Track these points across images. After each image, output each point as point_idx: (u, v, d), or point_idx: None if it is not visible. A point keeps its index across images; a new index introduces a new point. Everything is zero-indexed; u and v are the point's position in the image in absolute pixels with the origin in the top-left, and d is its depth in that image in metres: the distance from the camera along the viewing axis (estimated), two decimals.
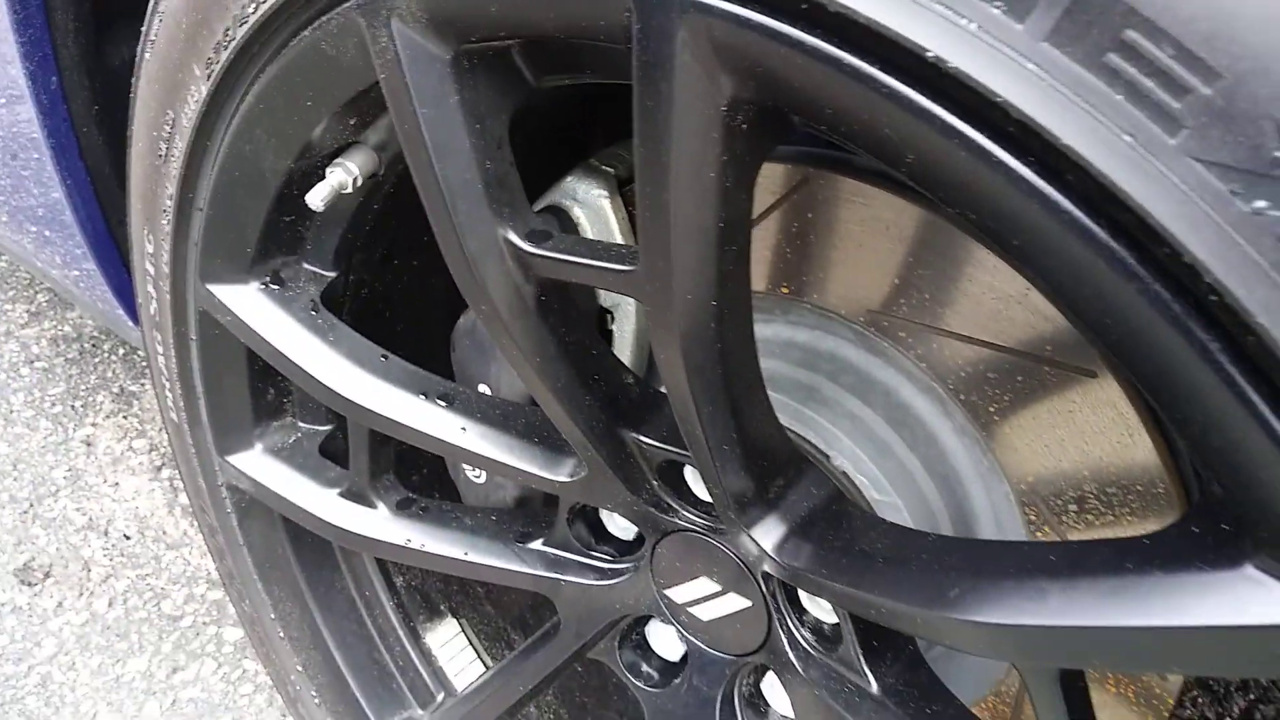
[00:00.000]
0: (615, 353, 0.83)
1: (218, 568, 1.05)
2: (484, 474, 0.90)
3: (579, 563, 0.80)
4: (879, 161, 0.43)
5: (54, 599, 1.49)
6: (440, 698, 1.05)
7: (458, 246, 0.61)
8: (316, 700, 1.04)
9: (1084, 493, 0.65)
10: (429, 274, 0.94)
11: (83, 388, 1.85)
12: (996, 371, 0.66)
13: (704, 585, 0.72)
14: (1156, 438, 0.61)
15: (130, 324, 1.13)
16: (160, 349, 0.93)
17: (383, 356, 0.80)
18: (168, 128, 0.79)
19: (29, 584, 1.50)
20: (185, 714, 1.35)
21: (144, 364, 1.91)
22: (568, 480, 0.72)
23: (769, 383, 0.62)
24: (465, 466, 0.91)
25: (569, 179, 0.80)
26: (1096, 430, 0.63)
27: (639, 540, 0.79)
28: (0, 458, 1.70)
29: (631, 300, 0.82)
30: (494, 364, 0.87)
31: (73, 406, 1.81)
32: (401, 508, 0.87)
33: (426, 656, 1.05)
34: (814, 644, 0.68)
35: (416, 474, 1.02)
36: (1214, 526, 0.42)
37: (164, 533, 1.59)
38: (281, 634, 1.01)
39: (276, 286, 0.81)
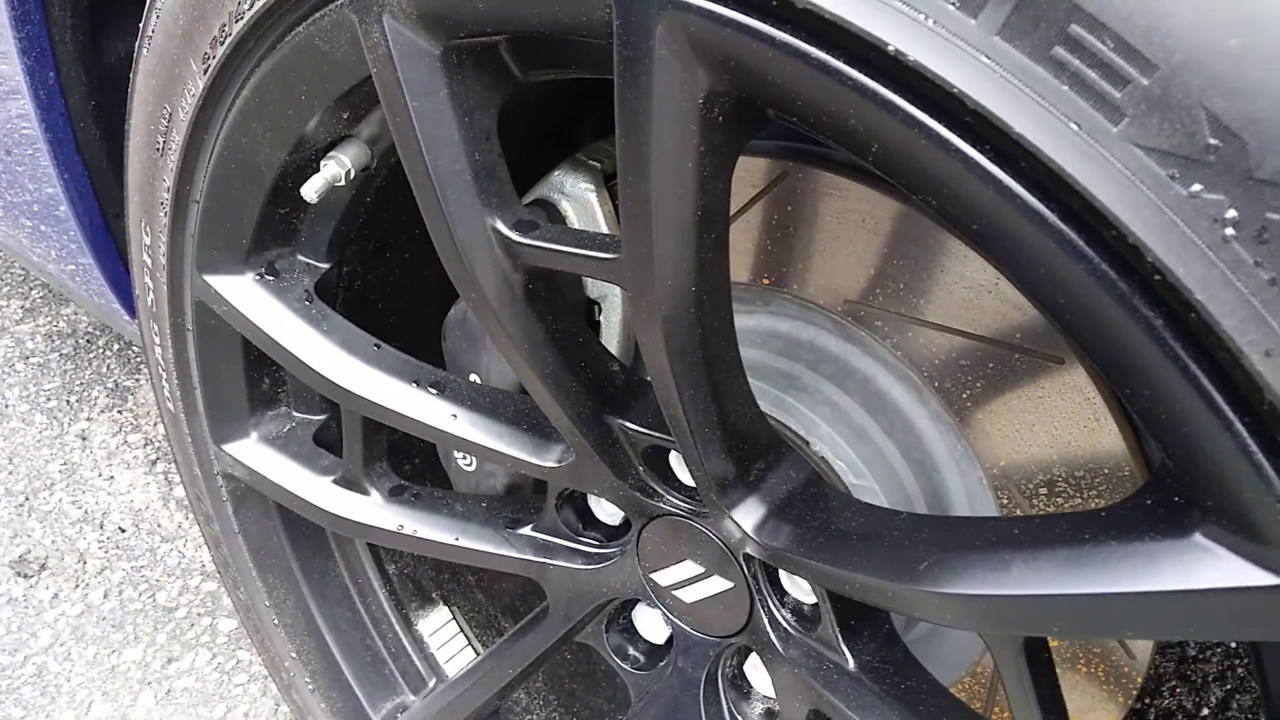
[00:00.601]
0: (603, 342, 0.84)
1: (213, 556, 1.07)
2: (474, 461, 0.92)
3: (567, 547, 0.82)
4: (848, 152, 0.45)
5: (50, 590, 1.50)
6: (432, 683, 1.07)
7: (448, 235, 0.63)
8: (310, 686, 1.05)
9: (1054, 476, 0.68)
10: (420, 265, 0.96)
11: (78, 383, 1.87)
12: (969, 359, 0.68)
13: (688, 568, 0.74)
14: (1122, 422, 0.63)
15: (126, 318, 1.14)
16: (157, 340, 0.94)
17: (375, 345, 0.82)
18: (165, 122, 0.81)
19: (25, 576, 1.52)
20: (180, 704, 1.36)
21: (139, 359, 1.93)
22: (556, 466, 0.74)
23: (751, 371, 0.64)
24: (456, 453, 0.93)
25: (556, 173, 0.82)
26: (1065, 416, 0.65)
27: (625, 525, 0.81)
28: None
29: (618, 291, 0.84)
30: (484, 353, 0.89)
31: (68, 401, 1.83)
32: (394, 494, 0.89)
33: (418, 643, 1.07)
34: (794, 624, 0.70)
35: (408, 462, 1.04)
36: (1166, 498, 0.44)
37: (159, 525, 1.61)
38: (276, 621, 1.03)
39: (271, 277, 0.83)
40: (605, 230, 0.82)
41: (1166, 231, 0.36)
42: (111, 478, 1.69)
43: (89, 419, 1.80)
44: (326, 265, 0.84)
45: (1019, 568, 0.48)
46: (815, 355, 0.77)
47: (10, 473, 1.68)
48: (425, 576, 1.07)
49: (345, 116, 0.73)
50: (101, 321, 1.88)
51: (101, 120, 1.07)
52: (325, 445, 0.95)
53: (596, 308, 0.87)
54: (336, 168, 0.75)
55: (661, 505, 0.73)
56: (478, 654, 1.08)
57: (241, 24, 0.69)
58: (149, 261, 0.90)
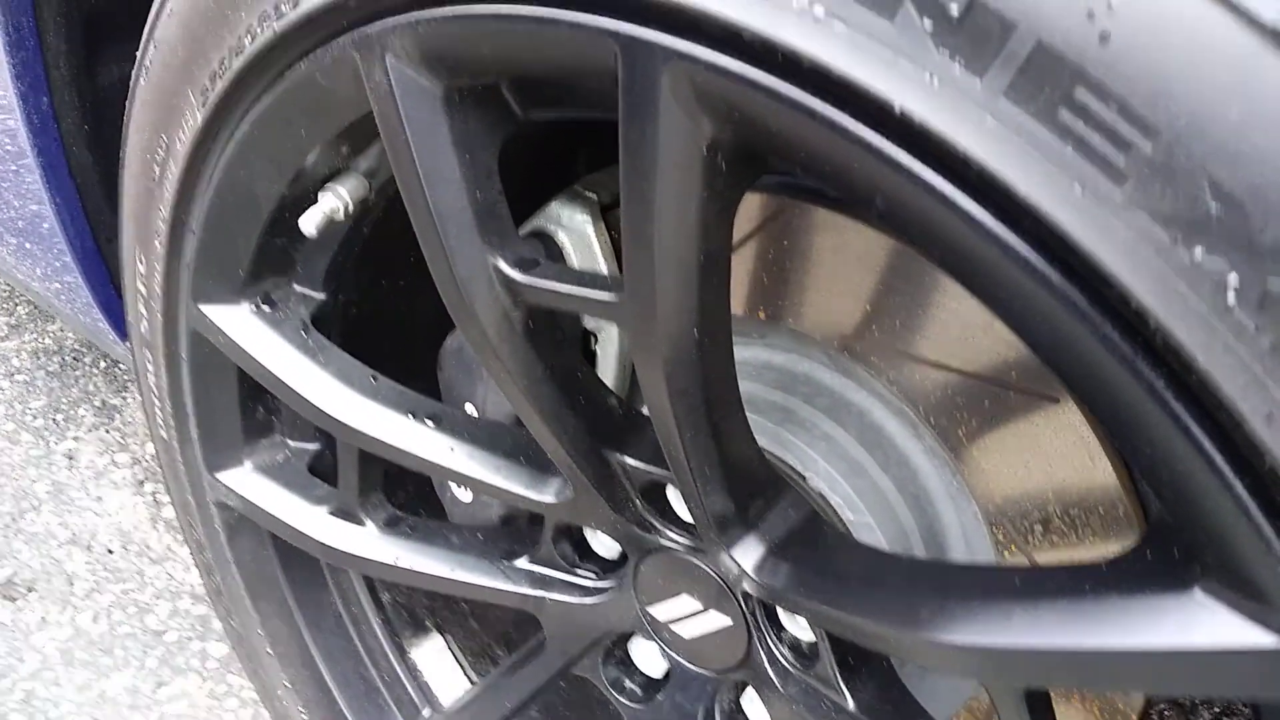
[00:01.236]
0: (599, 374, 0.84)
1: (205, 584, 1.06)
2: (470, 493, 0.92)
3: (564, 581, 0.81)
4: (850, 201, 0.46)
5: (37, 614, 1.48)
6: (426, 713, 1.06)
7: (448, 272, 0.63)
8: (304, 715, 1.05)
9: (1048, 514, 0.68)
10: (416, 296, 0.95)
11: (64, 401, 1.85)
12: (964, 396, 0.68)
13: (686, 603, 0.74)
14: (1116, 462, 0.64)
15: (114, 338, 1.14)
16: (151, 367, 0.94)
17: (372, 377, 0.81)
18: (161, 151, 0.80)
19: (12, 599, 1.50)
20: None
21: (126, 377, 1.91)
22: (553, 500, 0.74)
23: (748, 405, 0.65)
24: (452, 485, 0.93)
25: (553, 204, 0.83)
26: (1059, 454, 0.65)
27: (622, 559, 0.81)
28: None
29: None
30: (480, 384, 0.88)
31: (54, 420, 1.81)
32: (389, 526, 0.89)
33: (412, 672, 1.06)
34: (792, 661, 0.70)
35: (401, 490, 1.04)
36: (1165, 553, 0.45)
37: (148, 547, 1.60)
38: (269, 650, 1.02)
39: (268, 308, 0.83)
40: (602, 262, 0.82)
41: (1169, 296, 0.36)
42: (99, 498, 1.67)
43: (76, 438, 1.78)
44: (323, 296, 0.84)
45: (1021, 619, 0.48)
46: (812, 389, 0.78)
47: None
48: (419, 605, 1.07)
49: (344, 150, 0.73)
50: (88, 340, 1.87)
51: (95, 144, 1.06)
52: (320, 474, 0.94)
53: (593, 338, 0.87)
54: (335, 200, 0.75)
55: (659, 540, 0.73)
56: (472, 683, 1.07)
57: (241, 59, 0.69)
58: (144, 290, 0.90)
